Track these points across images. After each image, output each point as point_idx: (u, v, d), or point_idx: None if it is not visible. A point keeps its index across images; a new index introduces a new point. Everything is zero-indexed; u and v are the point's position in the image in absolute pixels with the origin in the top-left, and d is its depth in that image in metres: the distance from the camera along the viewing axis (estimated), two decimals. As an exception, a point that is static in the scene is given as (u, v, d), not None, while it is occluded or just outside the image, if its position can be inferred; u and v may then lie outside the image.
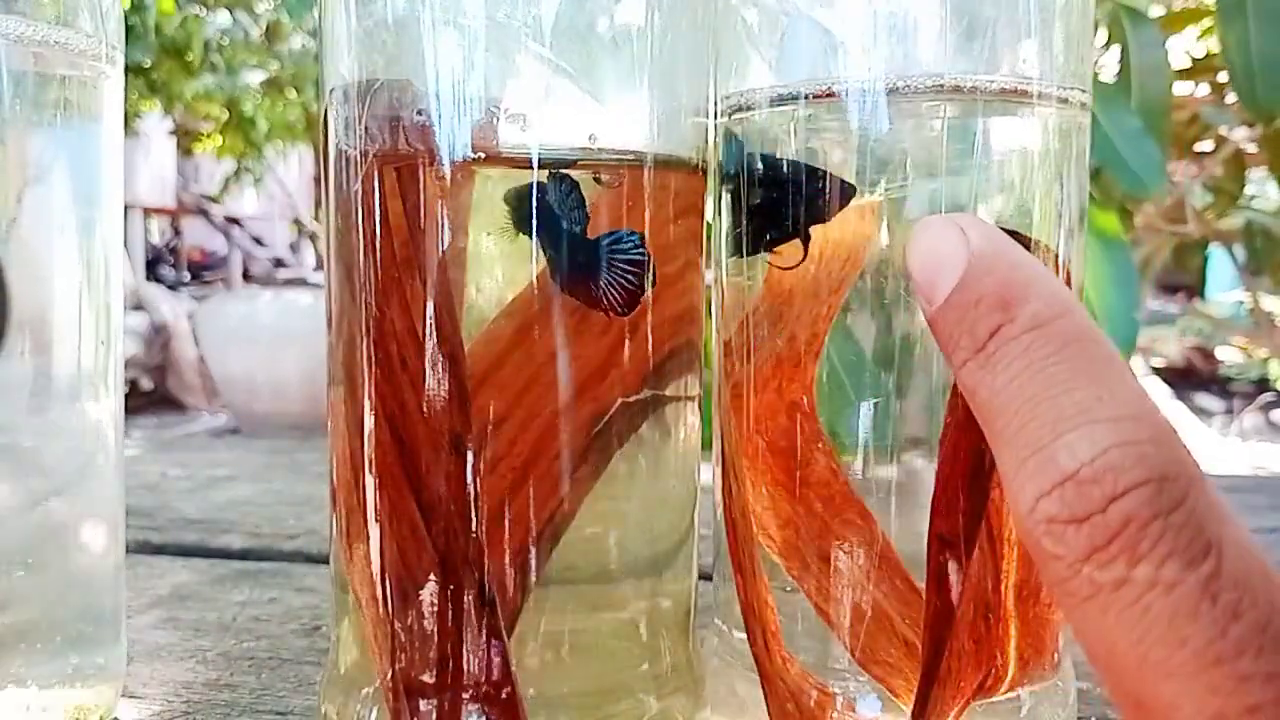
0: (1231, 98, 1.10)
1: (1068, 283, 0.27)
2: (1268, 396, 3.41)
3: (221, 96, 3.10)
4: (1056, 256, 0.26)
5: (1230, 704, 0.14)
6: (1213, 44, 1.17)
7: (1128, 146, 0.74)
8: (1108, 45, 0.88)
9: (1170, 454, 0.15)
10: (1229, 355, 3.63)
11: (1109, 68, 0.89)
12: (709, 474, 0.30)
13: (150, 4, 2.42)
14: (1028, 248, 0.25)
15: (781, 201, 0.26)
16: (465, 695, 0.26)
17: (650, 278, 0.26)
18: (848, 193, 0.25)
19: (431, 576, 0.26)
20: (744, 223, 0.27)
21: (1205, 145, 1.19)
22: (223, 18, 2.94)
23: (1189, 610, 0.14)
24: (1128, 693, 0.15)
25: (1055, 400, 0.16)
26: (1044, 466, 0.15)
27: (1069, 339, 0.16)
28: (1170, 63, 0.85)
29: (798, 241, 0.26)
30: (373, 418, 0.26)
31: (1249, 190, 1.25)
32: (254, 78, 3.09)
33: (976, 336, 0.17)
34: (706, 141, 0.29)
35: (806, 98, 0.26)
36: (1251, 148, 1.12)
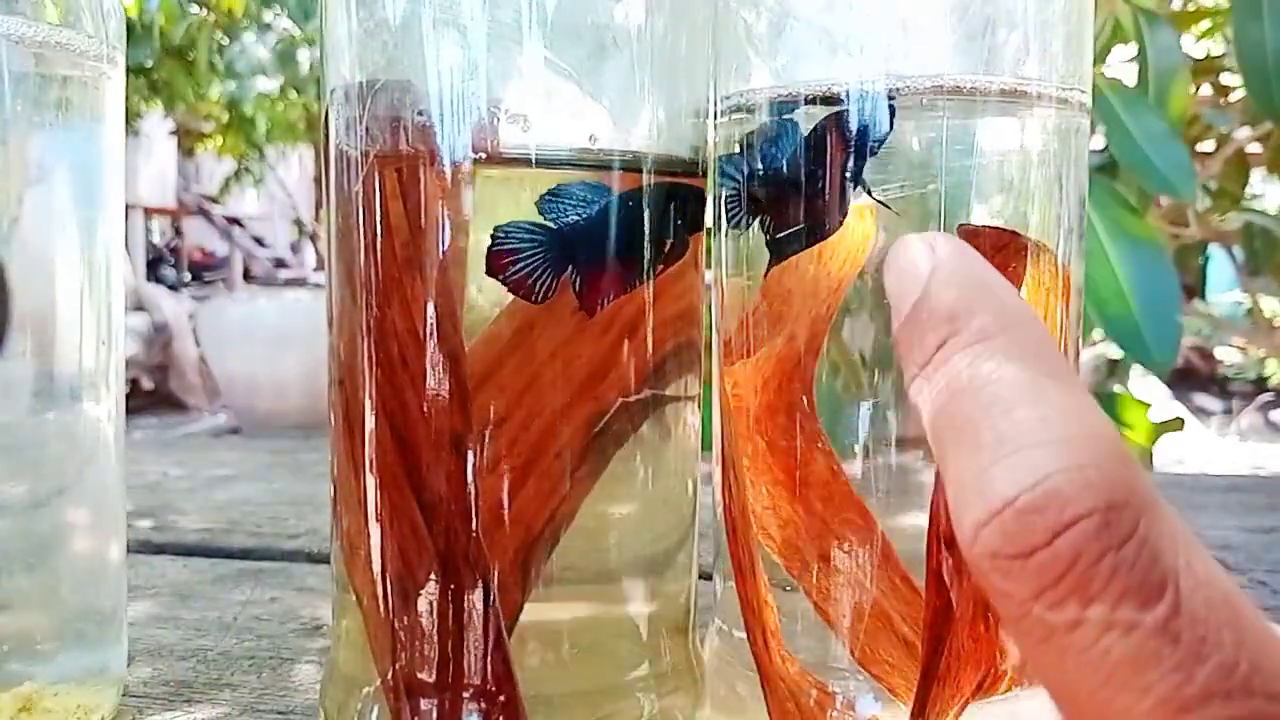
0: (1234, 97, 1.10)
1: (1067, 284, 0.27)
2: (1266, 396, 3.41)
3: (224, 98, 3.11)
4: (1055, 257, 0.26)
5: None
6: (1213, 45, 1.17)
7: (1155, 150, 0.73)
8: (1110, 44, 0.88)
9: (1119, 479, 0.14)
10: (1228, 355, 3.63)
11: (1129, 70, 0.89)
12: (709, 474, 0.30)
13: (153, 6, 2.42)
14: (1026, 249, 0.25)
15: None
16: (465, 695, 0.26)
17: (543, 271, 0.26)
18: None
19: (432, 576, 0.26)
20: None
21: (1207, 146, 1.19)
22: (244, 38, 2.94)
23: (1150, 654, 0.13)
24: None
25: (995, 421, 0.15)
26: (983, 493, 0.14)
27: (1014, 354, 0.15)
28: (1186, 63, 0.85)
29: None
30: (374, 417, 0.26)
31: (1250, 191, 1.25)
32: (264, 85, 3.10)
33: (924, 350, 0.16)
34: (706, 142, 0.29)
35: (806, 99, 0.26)
36: (1254, 148, 1.12)
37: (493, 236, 0.25)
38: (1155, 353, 0.71)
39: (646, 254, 0.27)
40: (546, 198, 0.25)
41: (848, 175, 0.25)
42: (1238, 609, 0.14)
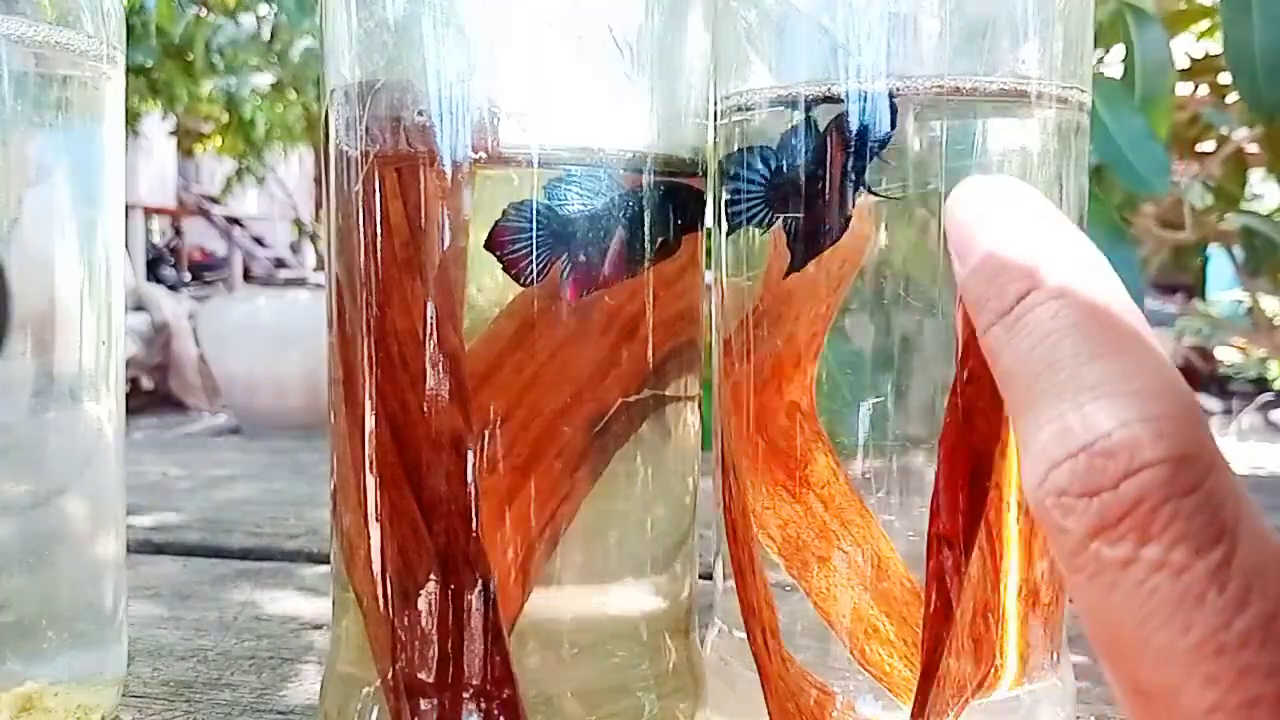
0: (1232, 98, 1.10)
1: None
2: (1266, 396, 3.41)
3: (222, 98, 3.10)
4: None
5: (1229, 697, 0.13)
6: (1212, 45, 1.17)
7: (1132, 146, 0.73)
8: (1109, 45, 0.88)
9: (1191, 434, 0.15)
10: (1227, 355, 3.63)
11: (1114, 67, 0.89)
12: (709, 474, 0.30)
13: (151, 6, 2.41)
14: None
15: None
16: (465, 694, 0.26)
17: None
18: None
19: (432, 576, 0.26)
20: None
21: (1206, 146, 1.19)
22: (232, 25, 2.92)
23: (1196, 597, 0.14)
24: (1127, 675, 0.15)
25: (1077, 369, 0.15)
26: (1059, 436, 0.15)
27: (1096, 307, 0.16)
28: (1174, 61, 0.84)
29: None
30: (373, 417, 0.26)
31: (1250, 191, 1.25)
32: (259, 80, 3.09)
33: (1003, 300, 0.17)
34: (706, 142, 0.29)
35: (807, 99, 0.26)
36: (1252, 148, 1.12)
37: (504, 212, 0.25)
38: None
39: (641, 250, 0.27)
40: (554, 182, 0.25)
41: (849, 175, 0.25)
42: None
